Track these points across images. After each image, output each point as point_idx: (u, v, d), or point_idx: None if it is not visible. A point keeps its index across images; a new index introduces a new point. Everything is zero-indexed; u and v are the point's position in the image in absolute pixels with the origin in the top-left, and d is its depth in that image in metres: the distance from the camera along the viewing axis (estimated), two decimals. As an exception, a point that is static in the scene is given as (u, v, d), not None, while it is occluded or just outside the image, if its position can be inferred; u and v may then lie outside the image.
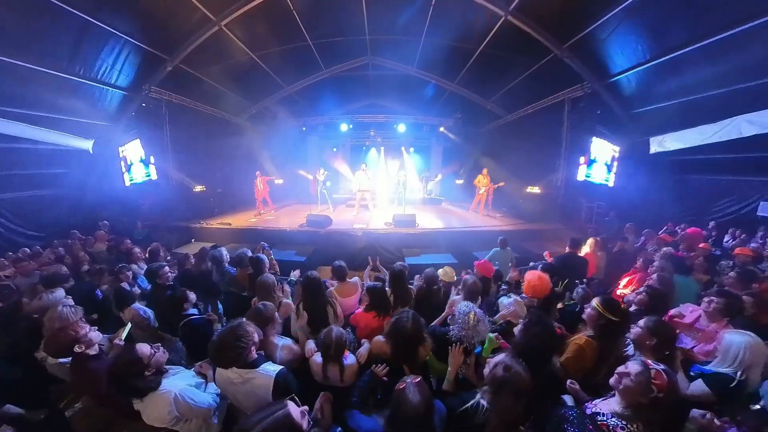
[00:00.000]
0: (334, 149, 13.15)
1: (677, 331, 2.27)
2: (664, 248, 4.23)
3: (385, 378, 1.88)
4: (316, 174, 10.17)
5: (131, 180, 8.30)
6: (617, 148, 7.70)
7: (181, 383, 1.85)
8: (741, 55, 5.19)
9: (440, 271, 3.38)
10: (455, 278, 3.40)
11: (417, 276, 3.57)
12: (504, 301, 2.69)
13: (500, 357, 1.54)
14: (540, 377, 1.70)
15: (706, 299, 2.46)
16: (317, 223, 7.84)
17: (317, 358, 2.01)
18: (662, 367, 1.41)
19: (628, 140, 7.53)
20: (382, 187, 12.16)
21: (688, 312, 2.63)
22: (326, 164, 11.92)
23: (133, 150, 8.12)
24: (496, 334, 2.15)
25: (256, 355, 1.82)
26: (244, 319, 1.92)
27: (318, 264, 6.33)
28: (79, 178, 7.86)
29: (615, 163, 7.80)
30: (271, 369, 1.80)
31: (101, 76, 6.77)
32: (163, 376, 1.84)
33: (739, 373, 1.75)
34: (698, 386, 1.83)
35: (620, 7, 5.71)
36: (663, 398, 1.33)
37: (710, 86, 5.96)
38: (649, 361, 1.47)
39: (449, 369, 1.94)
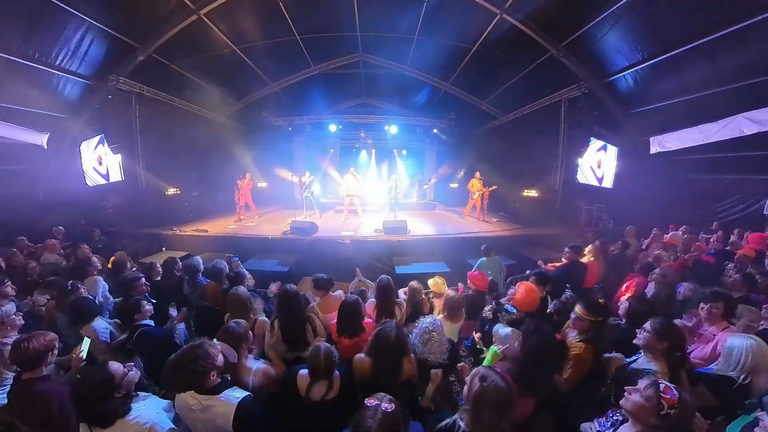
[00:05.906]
0: (329, 150, 12.54)
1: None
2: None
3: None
4: (302, 177, 9.56)
5: (91, 180, 7.43)
6: (616, 149, 7.55)
7: (153, 413, 1.62)
8: (740, 52, 5.09)
9: (430, 281, 3.23)
10: (446, 289, 3.19)
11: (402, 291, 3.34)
12: (500, 331, 2.38)
13: (477, 369, 1.48)
14: (545, 389, 1.72)
15: (704, 305, 2.46)
16: (302, 230, 7.30)
17: (304, 372, 1.89)
18: (674, 386, 1.39)
19: (628, 141, 7.39)
20: (373, 191, 11.68)
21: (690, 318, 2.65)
22: (313, 167, 11.29)
23: (95, 147, 7.29)
24: (504, 348, 2.07)
25: (218, 380, 1.69)
26: (208, 339, 1.79)
27: (302, 274, 5.84)
28: (29, 176, 6.95)
29: (614, 165, 7.63)
30: (235, 396, 1.66)
31: (60, 62, 6.11)
32: (132, 401, 1.62)
33: (742, 377, 1.71)
34: (701, 392, 1.78)
35: (617, 5, 5.60)
36: (674, 415, 1.28)
37: (710, 84, 5.86)
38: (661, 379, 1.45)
39: (429, 386, 1.92)
